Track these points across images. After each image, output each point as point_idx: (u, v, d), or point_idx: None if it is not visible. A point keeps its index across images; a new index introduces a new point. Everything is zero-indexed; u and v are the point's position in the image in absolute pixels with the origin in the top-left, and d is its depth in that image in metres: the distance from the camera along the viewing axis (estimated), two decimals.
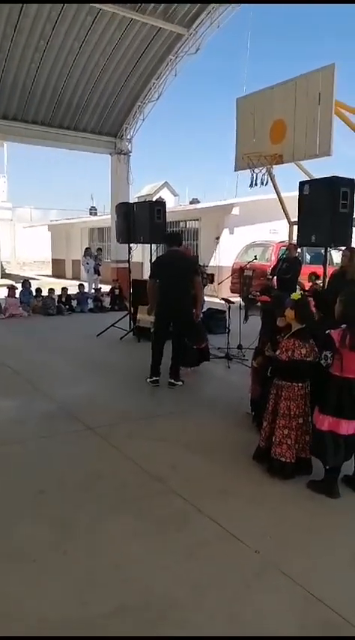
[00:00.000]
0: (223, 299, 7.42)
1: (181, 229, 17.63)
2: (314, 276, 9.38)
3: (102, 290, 13.36)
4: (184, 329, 5.83)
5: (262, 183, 7.93)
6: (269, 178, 8.01)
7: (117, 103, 14.42)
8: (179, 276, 5.67)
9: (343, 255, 6.20)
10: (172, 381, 5.78)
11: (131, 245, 8.88)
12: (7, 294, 11.41)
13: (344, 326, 3.17)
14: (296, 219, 5.65)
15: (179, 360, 5.87)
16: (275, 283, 8.67)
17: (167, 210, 8.41)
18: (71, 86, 13.33)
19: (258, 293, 5.00)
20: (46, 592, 2.37)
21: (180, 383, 5.80)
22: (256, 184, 7.94)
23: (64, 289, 12.31)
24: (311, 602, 2.32)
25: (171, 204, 21.49)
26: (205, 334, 6.56)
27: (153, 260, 6.23)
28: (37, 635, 2.11)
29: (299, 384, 3.49)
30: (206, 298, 6.87)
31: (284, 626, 2.18)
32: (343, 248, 6.00)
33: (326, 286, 5.68)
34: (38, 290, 12.12)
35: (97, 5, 11.17)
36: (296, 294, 3.66)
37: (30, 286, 12.23)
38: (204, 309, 6.94)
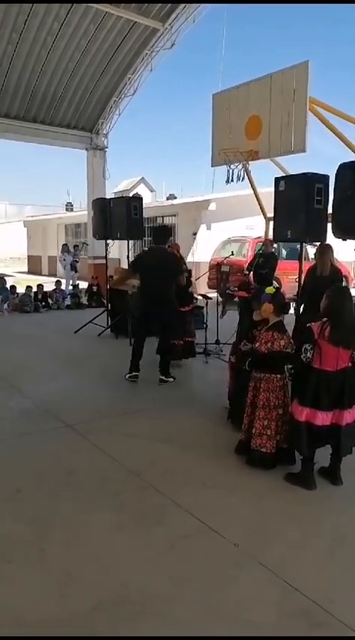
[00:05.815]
0: (201, 295, 7.44)
1: (158, 225, 17.60)
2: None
3: (80, 287, 13.25)
4: (166, 323, 5.70)
5: (239, 179, 7.97)
6: (245, 174, 8.05)
7: (93, 97, 14.26)
8: (161, 274, 5.54)
9: (315, 252, 6.30)
10: (163, 377, 5.67)
11: (108, 241, 8.84)
12: None
13: (324, 319, 3.24)
14: (272, 215, 5.69)
15: (167, 357, 5.77)
16: (252, 278, 8.74)
17: (144, 205, 8.39)
18: (45, 80, 13.11)
19: (236, 289, 5.03)
20: (24, 590, 2.35)
21: (171, 379, 5.68)
22: (233, 180, 7.97)
23: (40, 286, 12.16)
24: (289, 591, 2.36)
25: (148, 199, 21.41)
26: (191, 329, 6.54)
27: (134, 255, 6.20)
28: (17, 636, 2.09)
29: (278, 375, 3.55)
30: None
31: (264, 616, 2.22)
32: (318, 243, 6.08)
33: (303, 282, 5.74)
34: (13, 287, 11.94)
35: None
36: (270, 288, 3.70)
37: (5, 284, 12.04)
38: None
